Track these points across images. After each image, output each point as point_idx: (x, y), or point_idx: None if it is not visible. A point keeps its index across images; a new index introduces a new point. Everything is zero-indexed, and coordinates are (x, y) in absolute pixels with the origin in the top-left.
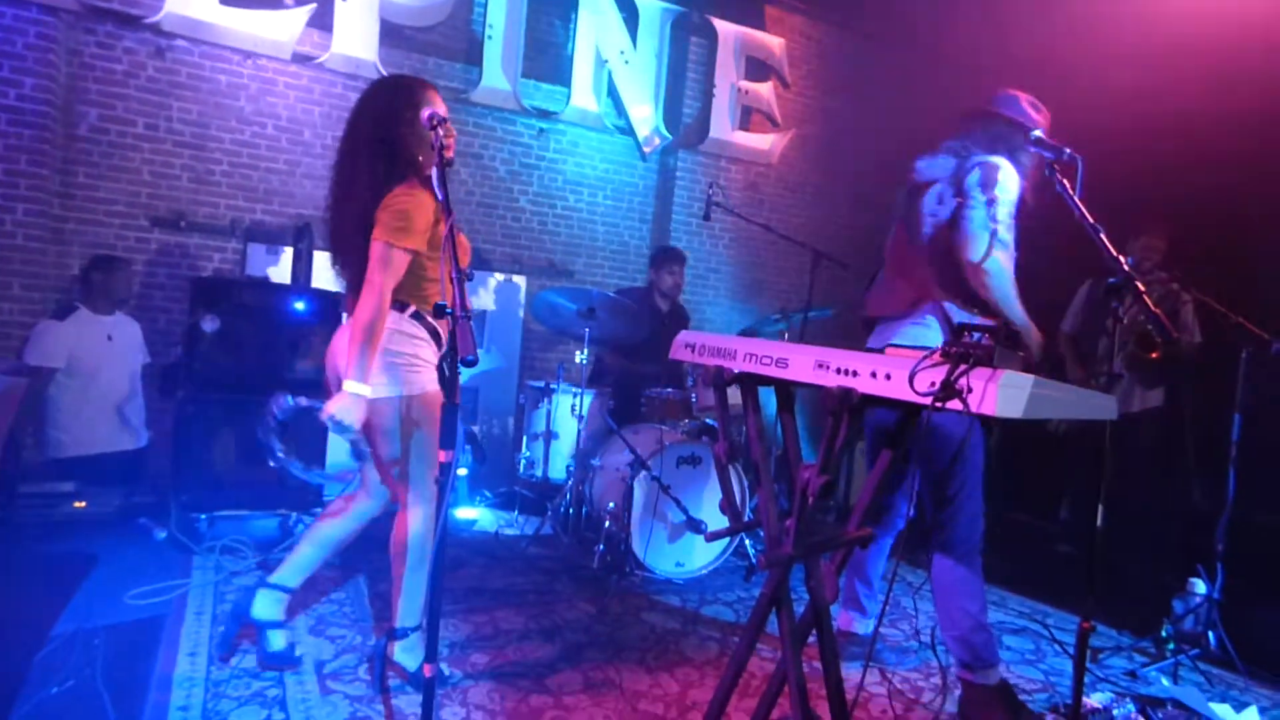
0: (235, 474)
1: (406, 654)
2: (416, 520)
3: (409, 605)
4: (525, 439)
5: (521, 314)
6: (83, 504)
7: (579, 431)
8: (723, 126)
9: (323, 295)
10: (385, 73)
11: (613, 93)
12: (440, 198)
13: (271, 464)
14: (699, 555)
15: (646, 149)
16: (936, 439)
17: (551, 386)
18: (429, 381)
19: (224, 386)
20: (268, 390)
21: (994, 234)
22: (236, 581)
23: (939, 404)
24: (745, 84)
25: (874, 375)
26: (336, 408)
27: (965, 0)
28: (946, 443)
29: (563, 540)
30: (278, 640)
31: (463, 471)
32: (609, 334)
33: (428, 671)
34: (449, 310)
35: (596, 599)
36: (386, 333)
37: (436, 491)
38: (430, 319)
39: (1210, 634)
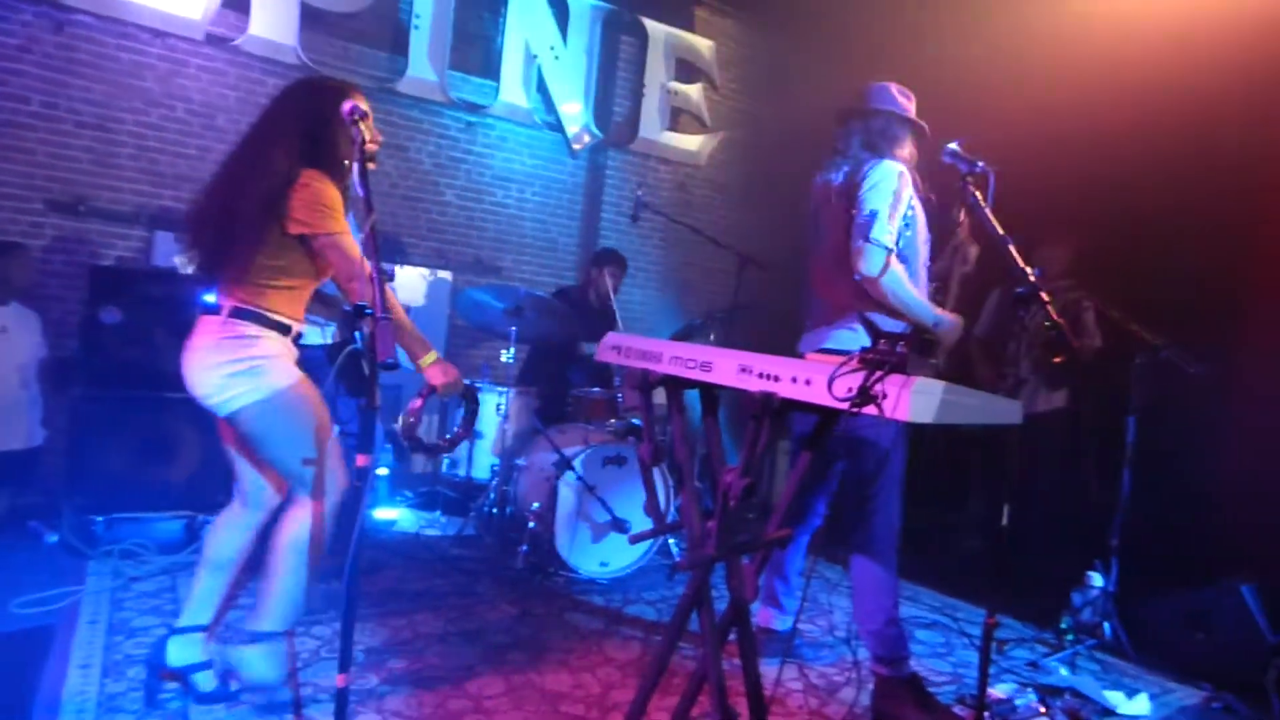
0: (136, 474)
1: (262, 662)
2: (302, 518)
3: (277, 609)
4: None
5: (447, 311)
6: None
7: (503, 430)
8: (652, 126)
9: None
10: (305, 58)
11: (542, 88)
12: (362, 194)
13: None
14: (623, 555)
15: (576, 146)
16: (864, 443)
17: (476, 385)
18: (284, 375)
19: (125, 382)
20: (172, 387)
21: (880, 244)
22: (136, 588)
23: (855, 409)
24: (675, 85)
25: (795, 380)
26: (441, 381)
27: (894, 12)
28: (873, 447)
29: (486, 541)
30: (207, 681)
31: (383, 471)
32: (536, 333)
33: (341, 682)
34: (369, 310)
35: (519, 600)
36: (230, 342)
37: (330, 485)
38: (269, 314)
39: (1106, 625)
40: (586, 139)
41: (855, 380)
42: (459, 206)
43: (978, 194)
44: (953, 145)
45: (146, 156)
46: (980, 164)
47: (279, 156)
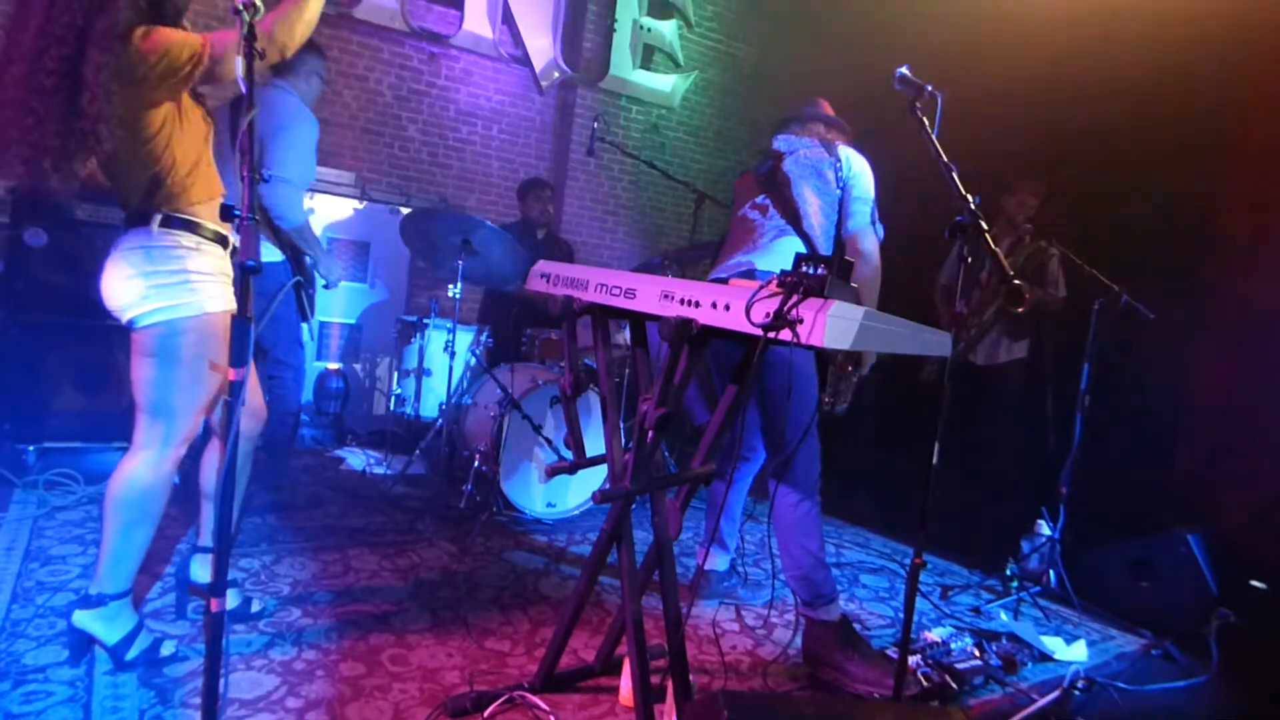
0: (69, 403)
1: (103, 624)
2: (145, 466)
3: (114, 568)
4: (396, 375)
5: (408, 249)
6: None
7: (450, 368)
8: (624, 64)
9: None
10: None
11: (509, 20)
12: (244, 90)
13: None
14: (572, 496)
15: (544, 82)
16: (771, 379)
17: (425, 321)
18: (216, 301)
19: (55, 308)
20: (106, 314)
21: (879, 234)
22: (60, 516)
23: (771, 333)
24: (648, 21)
25: (715, 306)
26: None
27: None
28: (793, 381)
29: (432, 480)
30: (230, 598)
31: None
32: (487, 270)
33: (215, 606)
34: (236, 212)
35: (459, 539)
36: (142, 252)
37: (187, 438)
38: (205, 224)
39: (1051, 572)
40: (555, 75)
41: (773, 305)
42: (422, 141)
43: (925, 119)
44: (903, 70)
45: None
46: (929, 87)
47: None
